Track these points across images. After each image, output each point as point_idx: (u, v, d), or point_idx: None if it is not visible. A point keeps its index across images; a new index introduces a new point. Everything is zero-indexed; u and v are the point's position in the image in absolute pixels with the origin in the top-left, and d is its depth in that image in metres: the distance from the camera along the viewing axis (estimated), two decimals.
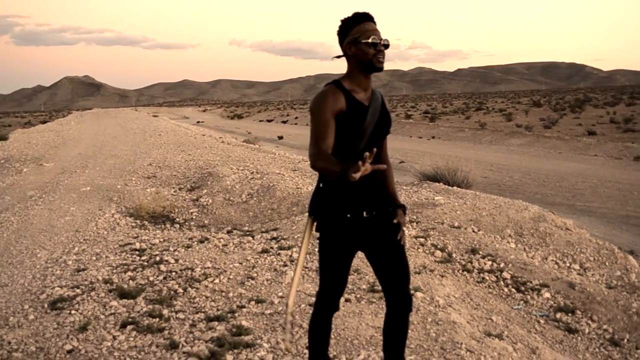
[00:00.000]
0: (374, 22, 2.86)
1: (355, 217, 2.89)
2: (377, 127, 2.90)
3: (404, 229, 3.06)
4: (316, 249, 3.10)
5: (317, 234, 3.02)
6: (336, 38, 2.92)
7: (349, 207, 2.89)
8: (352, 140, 2.84)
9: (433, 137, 31.30)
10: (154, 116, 60.25)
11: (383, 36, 2.84)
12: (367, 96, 2.90)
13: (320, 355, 3.19)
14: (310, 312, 4.57)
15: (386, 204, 3.01)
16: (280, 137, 33.07)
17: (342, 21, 2.88)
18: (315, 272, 5.66)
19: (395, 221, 2.99)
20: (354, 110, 2.81)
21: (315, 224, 3.01)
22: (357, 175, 2.44)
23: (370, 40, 2.78)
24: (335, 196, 2.90)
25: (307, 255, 6.04)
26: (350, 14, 2.87)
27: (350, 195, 2.88)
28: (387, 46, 2.84)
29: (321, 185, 2.98)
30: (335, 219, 2.91)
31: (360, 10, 2.87)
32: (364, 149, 2.83)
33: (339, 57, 2.94)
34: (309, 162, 2.86)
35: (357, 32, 2.81)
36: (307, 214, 3.08)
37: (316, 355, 3.19)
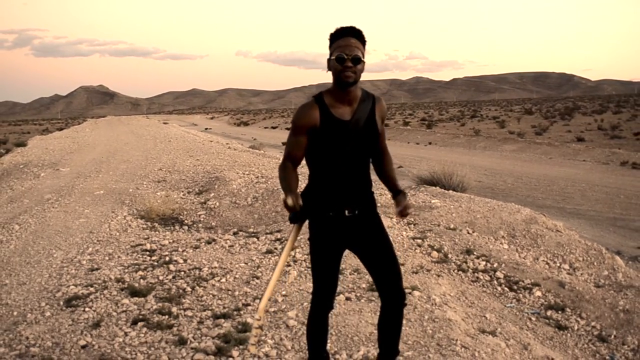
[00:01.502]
0: (355, 36, 2.78)
1: (337, 215, 2.89)
2: (361, 137, 2.86)
3: (410, 211, 3.04)
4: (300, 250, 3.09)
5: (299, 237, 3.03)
6: None
7: (331, 205, 2.89)
8: (331, 152, 2.83)
9: (430, 143, 31.26)
10: (164, 123, 60.24)
11: (361, 50, 2.76)
12: (352, 109, 2.84)
13: (319, 352, 3.19)
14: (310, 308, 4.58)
15: (369, 203, 2.98)
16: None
17: (329, 36, 2.84)
18: None
19: (398, 208, 2.98)
20: (328, 126, 2.79)
21: (300, 226, 3.00)
22: (286, 205, 2.77)
23: (334, 57, 2.74)
24: (317, 195, 2.91)
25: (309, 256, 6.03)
26: (333, 30, 2.82)
27: (331, 195, 2.88)
28: (356, 60, 2.74)
29: (306, 184, 2.99)
30: (318, 217, 2.92)
31: (345, 25, 2.82)
32: (350, 154, 2.85)
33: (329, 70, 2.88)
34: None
35: (333, 48, 2.79)
36: None
37: (315, 352, 3.19)
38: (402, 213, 3.01)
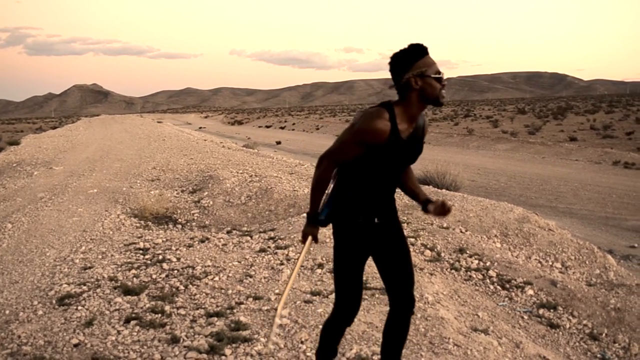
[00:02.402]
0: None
1: (367, 223, 2.88)
2: (408, 155, 2.85)
3: (448, 205, 2.94)
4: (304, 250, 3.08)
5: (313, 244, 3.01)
6: (388, 69, 2.78)
7: (362, 213, 2.87)
8: (384, 167, 2.80)
9: (424, 142, 31.31)
10: (158, 122, 60.10)
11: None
12: (410, 127, 2.78)
13: (331, 352, 3.18)
14: (306, 309, 4.58)
15: (394, 211, 2.98)
16: (278, 142, 33.03)
17: (404, 52, 2.72)
18: (311, 270, 5.65)
19: (432, 209, 2.93)
20: (393, 144, 2.72)
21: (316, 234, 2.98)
22: (303, 236, 2.94)
23: (433, 75, 2.67)
24: (351, 203, 2.87)
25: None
26: (409, 46, 2.72)
27: (367, 204, 2.86)
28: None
29: (337, 191, 2.93)
30: (348, 225, 2.89)
31: (418, 43, 2.72)
32: (393, 170, 2.85)
33: (392, 87, 2.80)
34: (324, 154, 2.85)
35: (423, 66, 2.68)
36: (304, 214, 3.04)
37: (327, 351, 3.18)
38: (443, 210, 2.92)
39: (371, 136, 2.68)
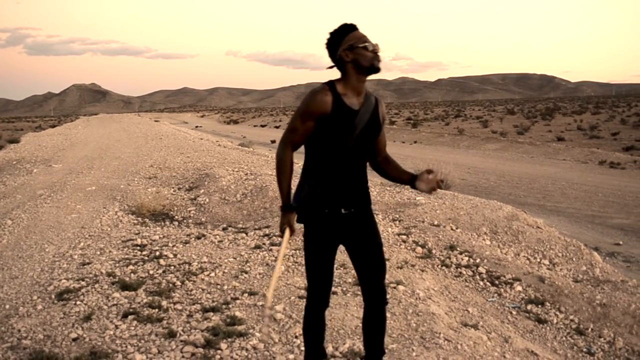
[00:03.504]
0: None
1: (333, 213, 2.86)
2: (365, 130, 2.84)
3: (437, 177, 2.90)
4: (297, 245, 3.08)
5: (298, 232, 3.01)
6: (325, 51, 2.86)
7: (328, 203, 2.85)
8: (338, 141, 2.79)
9: (415, 142, 31.33)
10: (155, 121, 59.91)
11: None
12: (360, 101, 2.83)
13: (316, 350, 3.13)
14: (300, 304, 4.58)
15: (365, 202, 2.94)
16: (273, 141, 32.96)
17: (333, 33, 2.82)
18: (304, 266, 5.64)
19: (421, 186, 2.88)
20: (339, 115, 2.76)
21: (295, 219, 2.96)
22: (281, 228, 2.90)
23: (367, 44, 2.75)
24: (314, 191, 2.86)
25: (297, 251, 6.03)
26: (338, 26, 2.83)
27: (329, 191, 2.84)
28: (378, 48, 2.81)
29: (303, 181, 2.94)
30: (314, 214, 2.89)
31: (346, 22, 2.83)
32: (352, 149, 2.82)
33: (332, 67, 2.88)
34: (280, 139, 2.90)
35: (351, 39, 2.77)
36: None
37: (311, 349, 3.13)
38: (433, 184, 2.88)
39: (315, 107, 2.76)
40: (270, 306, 3.04)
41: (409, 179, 2.95)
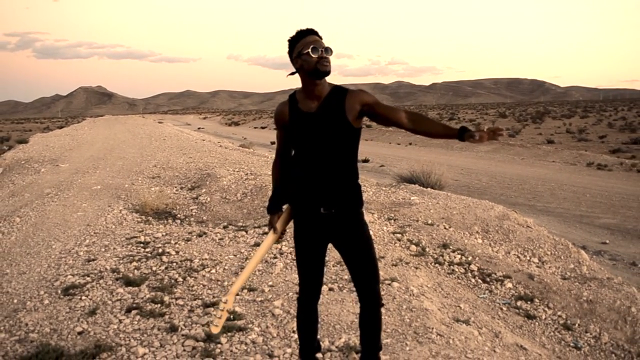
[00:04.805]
0: (316, 34, 2.75)
1: (313, 212, 2.83)
2: (325, 131, 2.74)
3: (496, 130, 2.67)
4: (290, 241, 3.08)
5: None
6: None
7: (306, 202, 2.83)
8: (301, 144, 2.82)
9: (410, 144, 31.35)
10: (159, 123, 59.83)
11: (329, 45, 2.74)
12: (313, 104, 2.78)
13: (309, 343, 3.14)
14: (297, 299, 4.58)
15: (349, 202, 2.82)
16: (273, 143, 32.98)
17: (288, 40, 2.78)
18: None
19: (477, 136, 2.60)
20: (295, 120, 2.81)
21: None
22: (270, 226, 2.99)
23: (310, 49, 2.68)
24: (291, 192, 2.90)
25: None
26: (294, 33, 2.77)
27: (304, 190, 2.82)
28: (329, 50, 2.72)
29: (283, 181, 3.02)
30: (296, 213, 2.91)
31: (304, 28, 2.77)
32: (317, 150, 2.76)
33: (292, 74, 2.86)
34: None
35: (300, 46, 2.72)
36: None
37: (305, 343, 3.13)
38: (493, 133, 2.66)
39: (277, 118, 2.92)
40: (230, 308, 3.00)
41: (459, 132, 2.64)
